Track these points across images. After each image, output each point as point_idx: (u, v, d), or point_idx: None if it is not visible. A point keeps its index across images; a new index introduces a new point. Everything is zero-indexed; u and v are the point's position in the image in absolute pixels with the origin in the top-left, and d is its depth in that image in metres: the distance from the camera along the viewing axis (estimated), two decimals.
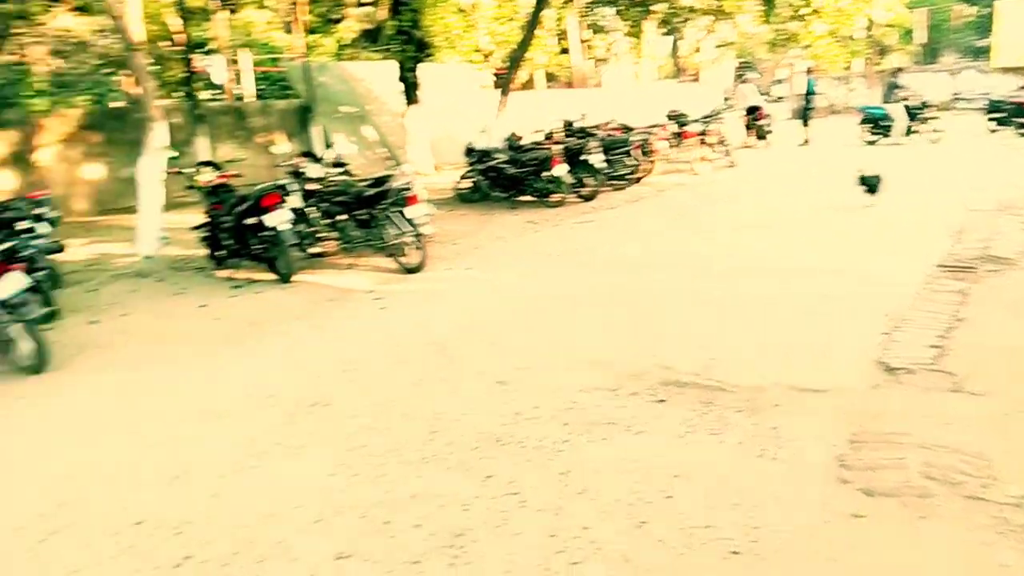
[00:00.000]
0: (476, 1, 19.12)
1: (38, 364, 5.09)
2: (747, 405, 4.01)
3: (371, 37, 24.67)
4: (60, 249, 6.83)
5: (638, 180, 13.29)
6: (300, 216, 8.19)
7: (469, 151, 12.28)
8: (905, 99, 18.10)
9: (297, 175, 8.67)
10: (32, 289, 5.15)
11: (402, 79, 15.59)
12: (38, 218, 7.00)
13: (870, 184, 9.84)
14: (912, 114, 17.85)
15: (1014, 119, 17.69)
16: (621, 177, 12.87)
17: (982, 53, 37.79)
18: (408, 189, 7.62)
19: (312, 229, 8.37)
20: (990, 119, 19.19)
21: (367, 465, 3.56)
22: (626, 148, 12.76)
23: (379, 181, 8.00)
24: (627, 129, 14.67)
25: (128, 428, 4.20)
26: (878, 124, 18.13)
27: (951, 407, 3.83)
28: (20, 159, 12.51)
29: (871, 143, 18.17)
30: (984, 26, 37.50)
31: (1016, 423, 3.61)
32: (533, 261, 7.93)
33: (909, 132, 17.88)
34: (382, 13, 23.13)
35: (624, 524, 2.98)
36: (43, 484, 3.58)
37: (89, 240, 10.22)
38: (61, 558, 2.94)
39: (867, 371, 4.38)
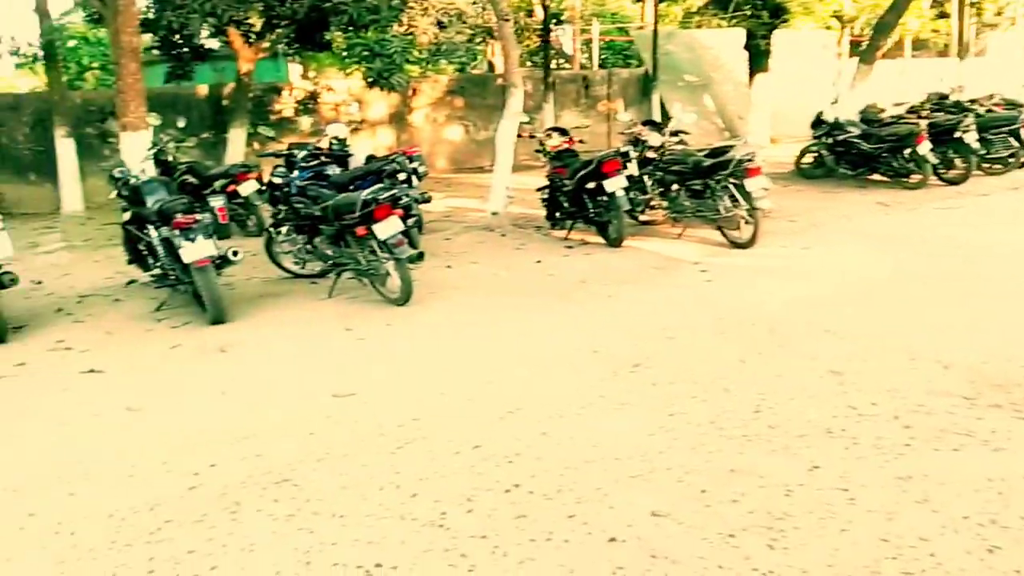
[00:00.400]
0: None
1: (404, 297, 5.90)
2: None
3: (721, 3, 24.09)
4: (428, 200, 7.79)
5: (1022, 165, 11.39)
6: (636, 183, 8.37)
7: (817, 122, 11.48)
8: None
9: (636, 143, 8.85)
10: (404, 233, 5.95)
11: (751, 46, 15.00)
12: (413, 171, 8.03)
13: None
14: None
15: None
16: (1001, 160, 11.15)
17: None
18: (750, 160, 7.38)
19: (646, 196, 8.52)
20: None
21: (686, 432, 3.59)
22: (1010, 127, 10.99)
23: (718, 152, 7.85)
24: (1014, 105, 12.59)
25: (470, 363, 4.71)
26: None
27: None
28: (398, 119, 14.42)
29: None
30: None
31: None
32: (879, 245, 7.24)
33: None
34: None
35: (971, 544, 2.66)
36: (403, 400, 4.16)
37: (447, 194, 11.49)
38: (412, 466, 3.40)
39: None
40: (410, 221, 6.70)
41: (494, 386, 4.29)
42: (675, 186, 8.18)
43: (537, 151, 9.15)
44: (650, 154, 8.69)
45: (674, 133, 9.55)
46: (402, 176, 7.58)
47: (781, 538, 2.73)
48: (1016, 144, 11.07)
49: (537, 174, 9.41)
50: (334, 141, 8.59)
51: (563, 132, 9.03)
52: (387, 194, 5.90)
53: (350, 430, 3.80)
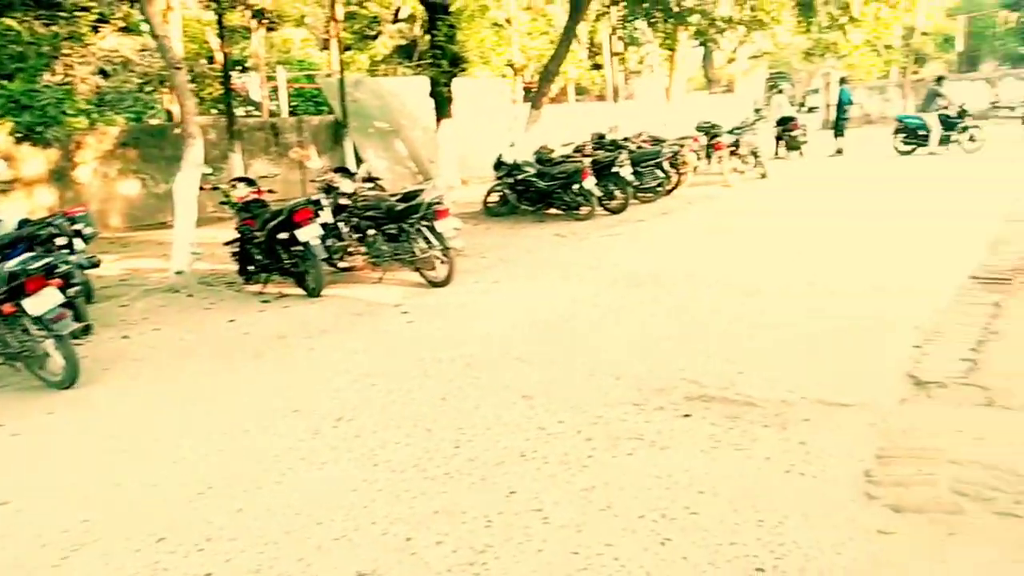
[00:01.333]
0: (511, 15, 19.26)
1: (69, 379, 5.20)
2: (775, 420, 3.95)
3: (405, 53, 25.04)
4: (96, 264, 7.00)
5: (669, 192, 13.24)
6: (331, 231, 8.29)
7: (498, 164, 12.33)
8: (945, 108, 17.78)
9: (329, 190, 8.79)
10: (66, 304, 5.27)
11: (434, 94, 15.73)
12: (76, 234, 7.18)
13: None
14: (950, 124, 17.52)
15: None
16: (651, 190, 12.84)
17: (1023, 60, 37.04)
18: (438, 203, 7.67)
19: (342, 243, 8.48)
20: None
21: (390, 480, 3.57)
22: (656, 160, 12.74)
23: (409, 196, 8.07)
24: (658, 141, 14.64)
25: (151, 444, 4.26)
26: (914, 134, 17.85)
27: (984, 422, 3.74)
28: (60, 176, 12.85)
29: (906, 153, 17.90)
30: None
31: None
32: (560, 274, 7.92)
33: (946, 141, 17.56)
34: (416, 29, 23.46)
35: (648, 541, 2.95)
36: (68, 500, 3.64)
37: (123, 255, 10.46)
38: None
39: (897, 385, 4.29)
40: (73, 291, 5.95)
41: (181, 465, 3.92)
42: (371, 231, 8.24)
43: (222, 203, 8.69)
44: (344, 201, 8.68)
45: (367, 179, 9.66)
46: (62, 240, 6.74)
47: (484, 572, 2.81)
48: (662, 175, 12.84)
49: (229, 227, 8.93)
50: None
51: (250, 182, 8.69)
52: (38, 263, 5.19)
53: (0, 549, 3.23)
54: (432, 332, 6.09)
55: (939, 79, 19.43)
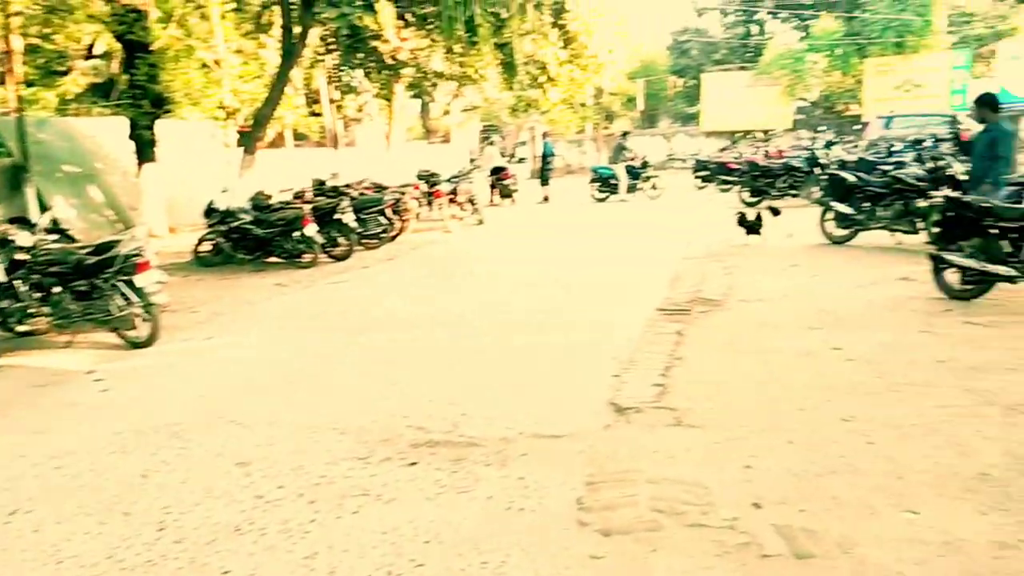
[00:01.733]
0: (221, 57, 18.36)
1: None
2: (496, 458, 4.08)
3: (102, 91, 22.69)
4: None
5: (392, 239, 13.38)
6: (6, 291, 7.20)
7: (209, 211, 11.62)
8: (630, 159, 20.18)
9: (3, 244, 7.62)
10: None
11: (136, 136, 14.47)
12: None
13: (752, 226, 11.19)
14: (635, 173, 19.94)
15: (718, 176, 20.33)
16: (375, 236, 12.90)
17: (692, 119, 43.24)
18: (138, 254, 6.99)
19: (19, 305, 7.37)
20: (697, 176, 21.91)
21: None
22: (379, 207, 12.84)
23: (103, 247, 7.26)
24: (380, 188, 14.78)
25: None
26: (607, 182, 20.02)
27: (674, 441, 4.18)
28: None
29: (601, 200, 19.96)
30: (692, 96, 43.00)
31: (727, 450, 4.02)
32: (281, 326, 7.60)
33: (633, 189, 19.92)
34: (114, 67, 21.41)
35: None
36: None
37: None
38: None
39: (601, 413, 4.66)
40: None
41: None
42: (57, 289, 7.27)
43: None
44: (21, 256, 7.56)
45: (52, 229, 8.53)
46: None
47: None
48: (385, 221, 12.96)
49: None
50: None
51: None
52: None
53: None
54: (132, 400, 5.47)
55: (624, 134, 22.01)
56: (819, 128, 34.32)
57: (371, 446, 4.37)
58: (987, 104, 8.18)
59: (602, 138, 34.83)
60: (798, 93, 35.36)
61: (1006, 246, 6.75)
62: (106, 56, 22.19)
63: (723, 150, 28.25)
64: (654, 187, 19.77)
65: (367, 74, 19.62)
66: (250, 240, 11.19)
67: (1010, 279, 6.67)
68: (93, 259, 7.12)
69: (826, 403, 4.65)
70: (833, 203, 10.83)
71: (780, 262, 9.65)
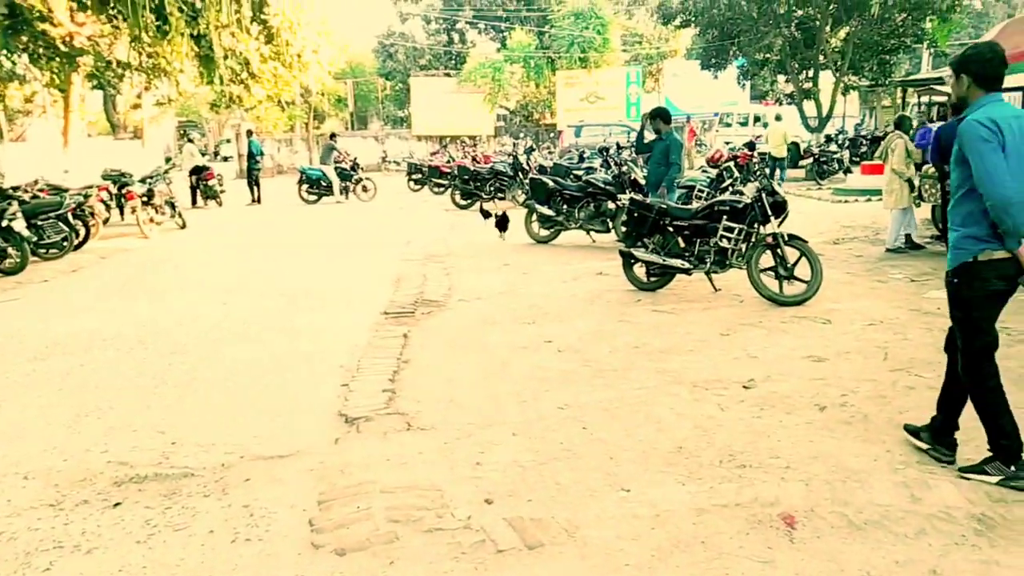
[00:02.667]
0: None
1: None
2: (215, 487, 3.76)
3: None
4: None
5: (76, 247, 11.82)
6: None
7: None
8: (340, 161, 19.94)
9: None
10: None
11: None
12: None
13: (501, 222, 11.75)
14: (346, 175, 19.78)
15: (431, 179, 20.83)
16: (55, 245, 11.30)
17: (403, 122, 43.86)
18: None
19: None
20: (410, 179, 22.29)
21: None
22: (58, 212, 11.26)
23: None
24: (59, 191, 12.96)
25: None
26: (317, 184, 19.61)
27: (406, 446, 4.18)
28: None
29: (312, 202, 19.50)
30: (402, 100, 43.63)
31: (457, 450, 4.11)
32: None
33: (345, 191, 19.75)
34: None
35: None
36: None
37: None
38: None
39: (330, 426, 4.52)
40: None
41: None
42: None
43: None
44: None
45: None
46: None
47: None
48: (66, 228, 11.40)
49: None
50: None
51: None
52: None
53: None
54: None
55: (333, 135, 21.67)
56: (519, 135, 36.77)
57: (63, 489, 3.80)
58: (660, 116, 9.32)
59: (313, 138, 33.96)
60: (499, 101, 37.50)
61: (681, 242, 7.76)
62: None
63: (434, 154, 29.03)
64: (365, 189, 19.75)
65: (34, 60, 17.09)
66: None
67: (686, 271, 7.68)
68: None
69: (544, 392, 4.96)
70: (537, 206, 11.62)
71: (493, 261, 10.14)
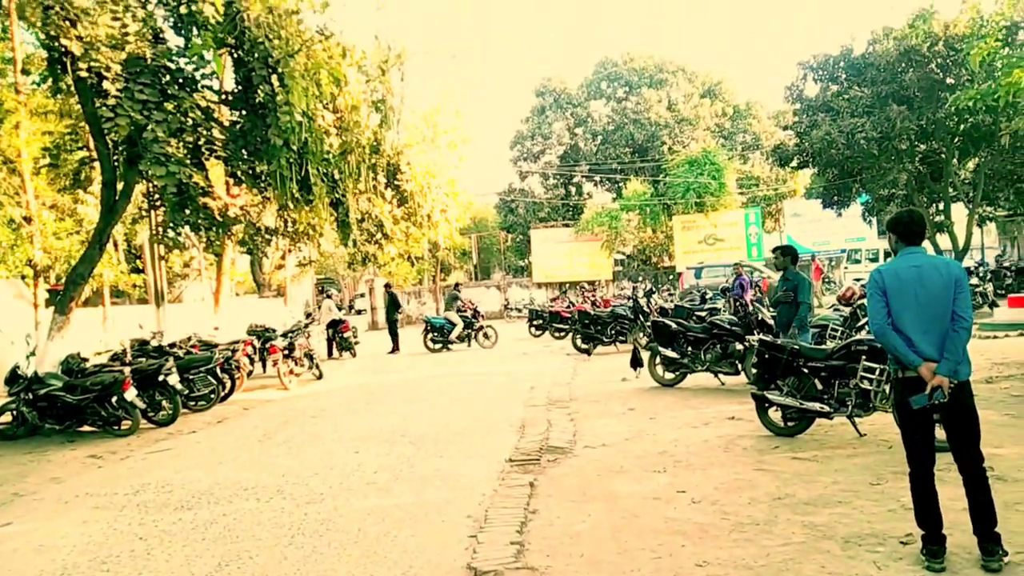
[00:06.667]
0: (32, 213, 17.22)
1: None
2: None
3: None
4: None
5: (223, 399, 12.61)
6: None
7: (13, 378, 10.47)
8: (462, 310, 20.71)
9: None
10: None
11: None
12: None
13: (635, 360, 11.63)
14: (468, 323, 20.44)
15: (552, 324, 21.14)
16: (204, 397, 12.11)
17: (523, 271, 45.30)
18: None
19: None
20: (531, 325, 22.70)
21: None
22: (208, 366, 12.13)
23: None
24: (209, 346, 14.06)
25: None
26: (440, 332, 20.32)
27: None
28: None
29: (435, 350, 20.14)
30: (522, 250, 45.29)
31: None
32: (96, 504, 6.77)
33: (468, 339, 20.35)
34: None
35: None
36: None
37: None
38: None
39: None
40: None
41: None
42: None
43: None
44: None
45: None
46: None
47: None
48: (214, 381, 12.23)
49: None
50: None
51: None
52: None
53: None
54: None
55: (456, 285, 22.66)
56: (638, 279, 37.04)
57: None
58: (788, 254, 9.21)
59: (439, 289, 35.50)
60: (616, 247, 38.19)
61: (819, 384, 7.40)
62: None
63: (555, 299, 29.59)
64: (486, 336, 20.30)
65: (195, 230, 19.07)
66: (60, 408, 10.12)
67: (826, 415, 7.27)
68: None
69: (680, 548, 4.71)
70: (660, 348, 11.49)
71: (618, 406, 9.99)
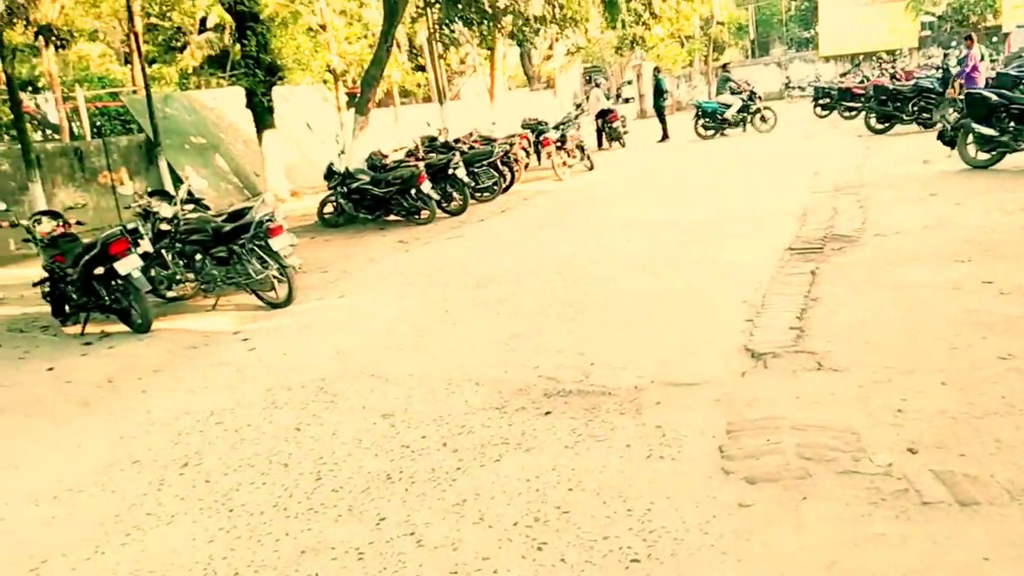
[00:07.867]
0: (326, 21, 18.74)
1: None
2: (630, 407, 4.08)
3: (218, 63, 23.75)
4: None
5: (504, 190, 13.44)
6: (153, 260, 7.73)
7: (329, 174, 12.00)
8: (738, 92, 19.32)
9: (147, 216, 8.17)
10: None
11: (252, 104, 15.02)
12: None
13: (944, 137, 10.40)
14: (744, 106, 19.07)
15: (841, 103, 19.15)
16: (488, 189, 12.98)
17: (808, 44, 40.78)
18: (270, 220, 7.33)
19: (168, 272, 7.92)
20: (817, 105, 20.72)
21: (249, 525, 3.35)
22: (489, 159, 12.88)
23: (237, 214, 7.66)
24: (488, 141, 14.82)
25: None
26: (713, 117, 19.27)
27: (817, 386, 4.04)
28: None
29: (707, 136, 19.27)
30: (807, 19, 40.50)
31: (874, 394, 3.85)
32: (407, 281, 7.82)
33: (743, 123, 19.10)
34: (227, 38, 22.29)
35: (524, 548, 2.93)
36: None
37: None
38: None
39: (736, 360, 4.56)
40: None
41: (7, 538, 3.49)
42: (199, 256, 7.75)
43: (26, 240, 7.88)
44: (164, 226, 8.10)
45: (188, 200, 9.06)
46: None
47: None
48: (496, 174, 13.01)
49: (35, 265, 8.10)
50: None
51: (55, 215, 7.93)
52: None
53: None
54: (277, 358, 5.80)
55: (725, 66, 21.07)
56: (951, 44, 31.65)
57: (506, 396, 4.45)
58: None
59: (712, 71, 33.40)
60: (924, 7, 32.58)
61: None
62: (218, 28, 23.13)
63: (844, 75, 26.55)
64: (763, 119, 18.91)
65: (467, 25, 19.51)
66: (370, 200, 11.51)
67: None
68: (229, 226, 7.52)
69: (981, 340, 4.36)
70: (974, 125, 10.00)
71: (917, 191, 9.05)
